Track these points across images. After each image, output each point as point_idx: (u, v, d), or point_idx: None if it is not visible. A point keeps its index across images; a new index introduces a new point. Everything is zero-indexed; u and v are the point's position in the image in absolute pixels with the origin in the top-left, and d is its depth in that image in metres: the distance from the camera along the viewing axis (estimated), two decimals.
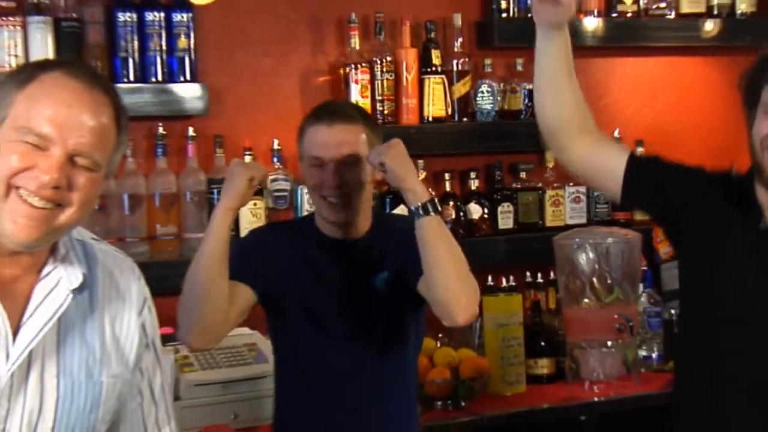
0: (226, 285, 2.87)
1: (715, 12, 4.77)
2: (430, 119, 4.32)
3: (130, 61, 3.90)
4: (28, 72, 1.94)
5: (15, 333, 1.92)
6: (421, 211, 2.80)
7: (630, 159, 2.85)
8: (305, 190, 4.07)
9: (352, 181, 2.96)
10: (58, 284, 1.98)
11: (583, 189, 4.58)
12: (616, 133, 4.67)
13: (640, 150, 4.64)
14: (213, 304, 2.87)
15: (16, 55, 3.72)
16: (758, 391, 2.67)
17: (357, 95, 4.20)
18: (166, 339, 3.19)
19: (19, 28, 3.72)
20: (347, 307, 3.04)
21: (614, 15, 4.63)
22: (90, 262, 2.05)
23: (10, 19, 3.70)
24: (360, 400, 3.04)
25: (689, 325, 2.87)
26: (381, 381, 3.05)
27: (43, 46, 3.74)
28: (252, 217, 3.99)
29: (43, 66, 1.97)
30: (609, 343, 4.11)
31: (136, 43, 3.90)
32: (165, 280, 3.62)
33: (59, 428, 1.97)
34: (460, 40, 4.40)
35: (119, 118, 1.96)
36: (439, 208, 2.87)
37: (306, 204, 4.10)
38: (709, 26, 4.75)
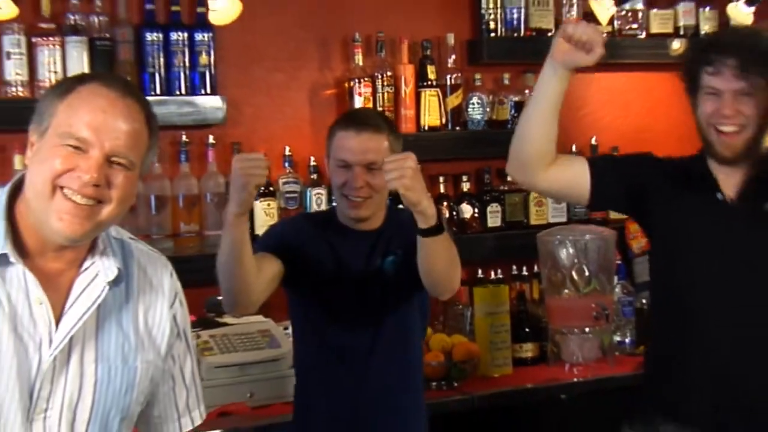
0: (251, 272, 2.89)
1: (681, 32, 4.77)
2: (426, 128, 4.32)
3: (157, 76, 3.92)
4: (68, 85, 1.96)
5: (57, 321, 1.94)
6: (427, 233, 2.80)
7: (591, 167, 2.83)
8: (313, 192, 4.10)
9: (374, 184, 2.99)
10: (96, 277, 2.00)
11: None
12: (593, 141, 4.69)
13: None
14: (241, 289, 2.90)
15: (55, 72, 3.72)
16: (715, 360, 2.71)
17: (360, 107, 4.19)
18: None
19: (57, 47, 3.73)
20: (360, 288, 3.07)
21: None
22: (126, 258, 2.07)
23: (50, 39, 3.71)
24: (371, 374, 3.07)
25: (660, 294, 2.90)
26: (390, 357, 3.09)
27: (79, 62, 3.75)
28: (265, 216, 4.00)
29: (81, 79, 1.99)
30: (587, 329, 4.10)
31: (162, 59, 3.92)
32: (188, 273, 3.63)
33: (97, 409, 1.99)
34: (453, 57, 4.40)
35: (150, 123, 1.99)
36: (444, 226, 2.86)
37: (314, 204, 4.10)
38: (676, 45, 4.74)
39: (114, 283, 2.01)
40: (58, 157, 1.89)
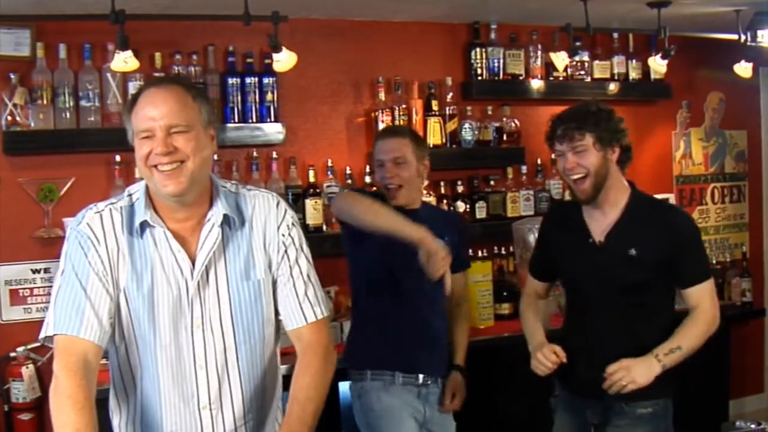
0: None
1: (616, 77, 4.81)
2: (431, 146, 4.24)
3: (236, 109, 3.95)
4: (132, 99, 1.98)
5: (194, 262, 1.99)
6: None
7: (535, 278, 3.06)
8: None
9: (402, 174, 3.06)
10: (213, 225, 2.01)
11: (531, 192, 4.54)
12: (553, 156, 4.64)
13: None
14: None
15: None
16: (584, 327, 2.79)
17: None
18: None
19: None
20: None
21: (551, 78, 4.65)
22: (239, 202, 2.06)
23: None
24: (419, 307, 3.07)
25: (567, 303, 3.01)
26: (433, 296, 3.07)
27: None
28: (313, 210, 4.03)
29: (140, 91, 1.99)
30: None
31: (239, 97, 3.96)
32: None
33: (236, 318, 2.01)
34: (451, 94, 4.42)
35: (191, 91, 1.96)
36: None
37: None
38: (612, 87, 4.79)
39: (226, 224, 2.00)
40: (140, 148, 1.93)
